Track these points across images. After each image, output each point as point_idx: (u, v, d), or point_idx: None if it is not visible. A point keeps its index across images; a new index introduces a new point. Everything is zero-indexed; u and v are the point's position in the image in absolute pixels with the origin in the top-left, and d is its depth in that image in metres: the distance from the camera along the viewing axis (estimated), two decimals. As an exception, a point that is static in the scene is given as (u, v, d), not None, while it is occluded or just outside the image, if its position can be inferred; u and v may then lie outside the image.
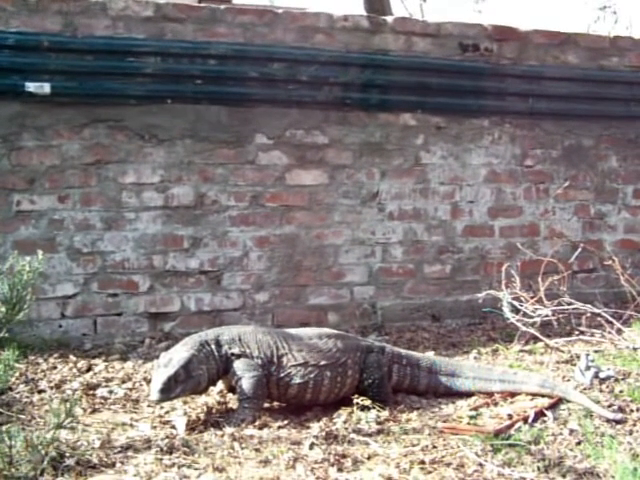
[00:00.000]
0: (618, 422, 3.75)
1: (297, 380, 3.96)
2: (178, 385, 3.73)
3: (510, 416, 3.87)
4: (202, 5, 5.68)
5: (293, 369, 3.96)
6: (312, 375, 3.97)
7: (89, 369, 4.74)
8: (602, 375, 4.34)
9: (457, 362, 4.60)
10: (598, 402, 3.97)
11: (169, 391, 3.70)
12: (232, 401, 4.09)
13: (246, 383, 3.85)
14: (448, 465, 3.28)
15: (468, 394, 4.31)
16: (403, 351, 4.48)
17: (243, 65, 5.74)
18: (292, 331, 4.29)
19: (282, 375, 3.95)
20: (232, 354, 3.96)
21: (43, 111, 5.35)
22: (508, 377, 4.29)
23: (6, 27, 5.26)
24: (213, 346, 3.95)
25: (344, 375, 4.07)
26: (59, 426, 3.19)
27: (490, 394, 4.25)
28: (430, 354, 5.09)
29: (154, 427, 3.77)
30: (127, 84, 5.52)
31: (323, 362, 4.01)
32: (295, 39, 5.86)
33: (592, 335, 5.16)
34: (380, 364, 4.18)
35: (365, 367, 4.13)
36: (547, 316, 5.08)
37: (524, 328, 5.13)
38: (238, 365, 3.91)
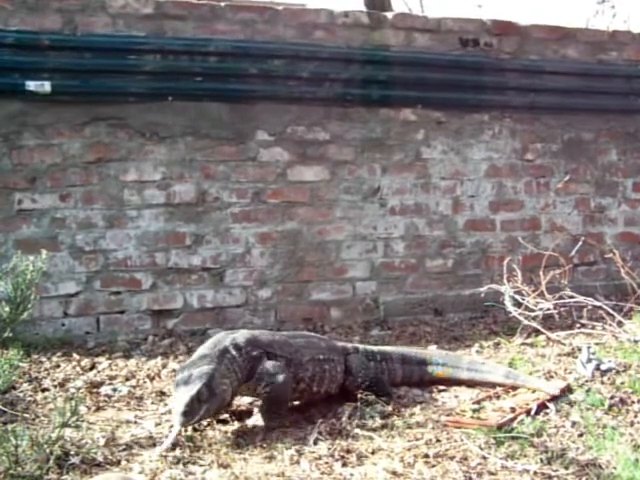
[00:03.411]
0: (558, 396, 3.97)
1: (308, 374, 3.95)
2: (202, 405, 3.43)
3: (513, 409, 3.88)
4: (202, 2, 5.68)
5: (305, 364, 3.95)
6: (317, 369, 3.99)
7: (93, 367, 4.75)
8: (603, 367, 4.35)
9: (426, 351, 4.68)
10: (600, 394, 3.98)
11: (193, 413, 3.40)
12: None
13: (276, 387, 3.71)
14: (452, 458, 3.29)
15: (439, 381, 4.40)
16: (375, 347, 4.54)
17: (244, 62, 5.75)
18: (283, 333, 4.33)
19: (298, 371, 3.91)
20: (254, 356, 3.77)
21: (44, 110, 5.36)
22: (476, 366, 4.43)
23: (5, 26, 5.26)
24: (234, 352, 3.72)
25: (335, 370, 4.09)
26: (64, 424, 3.20)
27: (460, 382, 4.39)
28: (432, 348, 5.13)
29: (158, 424, 3.77)
30: (128, 82, 5.53)
31: (321, 357, 4.05)
32: (295, 35, 5.87)
33: (593, 328, 5.17)
34: (366, 363, 4.22)
35: (356, 370, 4.14)
36: (548, 309, 5.10)
37: (526, 321, 5.15)
38: (266, 368, 3.75)
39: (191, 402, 3.38)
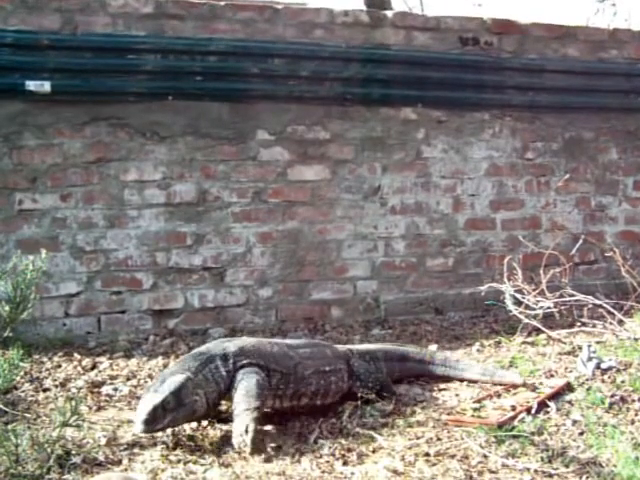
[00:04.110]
0: (523, 385, 4.19)
1: (311, 388, 3.84)
2: (167, 415, 3.35)
3: (513, 407, 3.88)
4: (202, 1, 5.68)
5: (307, 378, 3.83)
6: (322, 382, 3.89)
7: (94, 367, 4.76)
8: (604, 366, 4.36)
9: (404, 348, 4.69)
10: (600, 392, 3.99)
11: (155, 422, 3.32)
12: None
13: (242, 385, 3.54)
14: (452, 457, 3.30)
15: (416, 376, 4.46)
16: (362, 347, 4.52)
17: (244, 61, 5.75)
18: (287, 341, 4.20)
19: (299, 385, 3.79)
20: (241, 366, 3.63)
21: (44, 109, 5.37)
22: (450, 363, 4.54)
23: (5, 25, 5.26)
24: (219, 362, 3.62)
25: (341, 381, 4.00)
26: (64, 424, 3.21)
27: (436, 377, 4.48)
28: (433, 347, 5.14)
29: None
30: (128, 81, 5.52)
31: (327, 368, 3.95)
32: (295, 35, 5.87)
33: (594, 326, 5.16)
34: (371, 367, 4.20)
35: (365, 375, 4.09)
36: (549, 308, 5.08)
37: (526, 320, 5.14)
38: (240, 374, 3.59)
39: (154, 410, 3.31)
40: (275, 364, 3.74)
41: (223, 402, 3.71)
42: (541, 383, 4.29)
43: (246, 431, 3.36)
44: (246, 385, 3.53)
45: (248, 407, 3.44)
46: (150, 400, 3.35)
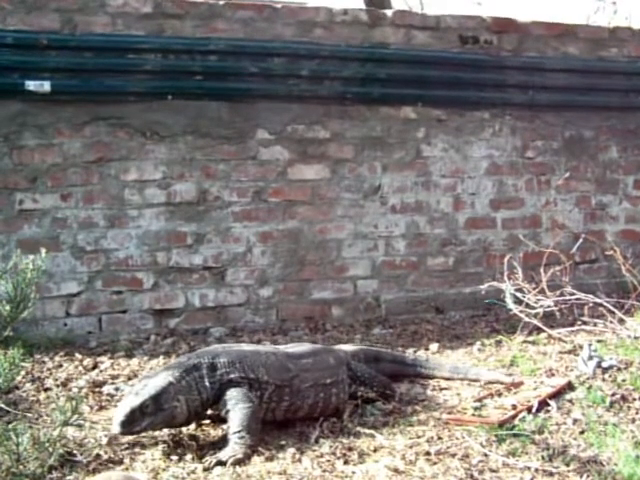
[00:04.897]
0: (517, 385, 4.23)
1: (309, 402, 3.73)
2: (145, 418, 3.30)
3: (514, 406, 3.88)
4: (201, 1, 5.68)
5: (305, 391, 3.72)
6: (322, 395, 3.78)
7: (95, 367, 4.76)
8: (605, 365, 4.35)
9: (377, 349, 4.71)
10: (601, 391, 3.99)
11: (132, 424, 3.28)
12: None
13: (237, 415, 3.41)
14: (453, 456, 3.30)
15: (390, 376, 4.38)
16: (349, 349, 4.41)
17: (243, 60, 5.75)
18: (289, 349, 4.02)
19: (295, 398, 3.69)
20: (229, 380, 3.53)
21: (44, 109, 5.36)
22: (421, 363, 4.59)
23: (4, 25, 5.26)
24: (205, 371, 3.52)
25: (343, 392, 3.91)
26: (66, 424, 3.21)
27: (408, 376, 4.51)
28: (434, 346, 5.15)
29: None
30: (127, 81, 5.53)
31: (329, 380, 3.84)
32: (295, 34, 5.87)
33: (594, 325, 5.17)
34: (370, 370, 4.17)
35: (370, 380, 4.06)
36: (550, 307, 5.09)
37: (527, 319, 5.15)
38: (231, 394, 3.48)
39: (131, 413, 3.27)
40: (268, 376, 3.62)
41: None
42: (542, 382, 4.29)
43: (232, 456, 3.26)
44: (241, 416, 3.40)
45: (244, 443, 3.33)
46: (129, 402, 3.32)
